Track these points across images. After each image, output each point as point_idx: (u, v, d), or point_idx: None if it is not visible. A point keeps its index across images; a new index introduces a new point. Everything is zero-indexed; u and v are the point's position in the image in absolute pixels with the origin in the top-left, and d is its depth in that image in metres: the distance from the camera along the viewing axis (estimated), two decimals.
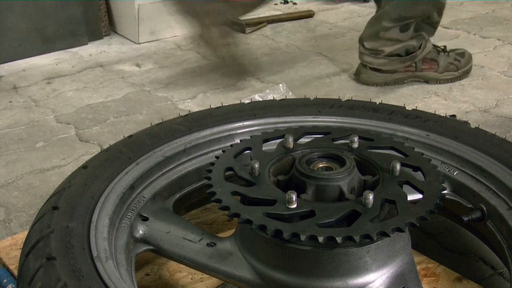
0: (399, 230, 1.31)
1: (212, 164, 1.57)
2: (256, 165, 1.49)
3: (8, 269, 1.77)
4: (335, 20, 4.71)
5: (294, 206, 1.36)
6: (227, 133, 1.91)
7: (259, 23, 4.48)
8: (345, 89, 3.40)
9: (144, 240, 1.57)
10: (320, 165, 1.53)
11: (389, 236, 1.31)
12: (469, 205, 1.72)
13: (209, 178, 1.49)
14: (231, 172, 1.53)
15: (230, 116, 1.96)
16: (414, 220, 1.34)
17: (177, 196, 1.77)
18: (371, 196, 1.36)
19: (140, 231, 1.57)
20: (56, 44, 4.00)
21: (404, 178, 1.50)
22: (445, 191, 1.50)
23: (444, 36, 4.17)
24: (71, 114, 3.16)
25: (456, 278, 1.75)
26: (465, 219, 1.67)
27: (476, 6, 4.98)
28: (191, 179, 1.82)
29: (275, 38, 4.29)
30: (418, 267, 1.63)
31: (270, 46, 4.12)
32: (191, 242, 1.54)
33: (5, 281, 1.72)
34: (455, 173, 1.76)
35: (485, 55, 3.88)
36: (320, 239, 1.27)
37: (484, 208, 1.67)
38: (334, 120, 1.96)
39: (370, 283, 1.39)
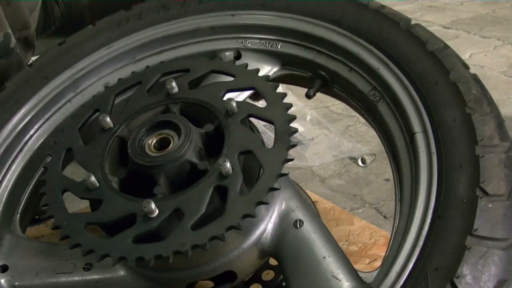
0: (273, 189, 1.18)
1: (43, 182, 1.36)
2: (92, 179, 1.28)
3: None
4: None
5: (156, 213, 1.20)
6: None
7: None
8: None
9: None
10: (154, 140, 1.32)
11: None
12: (307, 74, 1.55)
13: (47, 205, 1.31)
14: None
15: None
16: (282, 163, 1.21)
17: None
18: (228, 164, 1.21)
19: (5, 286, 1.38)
20: None
21: (246, 113, 1.34)
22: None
23: (445, 36, 3.99)
24: None
25: None
26: (311, 91, 1.52)
27: (476, 6, 4.93)
28: None
29: None
30: None
31: None
32: (66, 274, 1.38)
33: None
34: (279, 46, 1.58)
35: (485, 55, 3.76)
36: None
37: (324, 74, 1.52)
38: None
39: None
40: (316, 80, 1.54)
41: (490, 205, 1.10)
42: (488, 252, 1.05)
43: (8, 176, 1.53)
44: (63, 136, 1.41)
